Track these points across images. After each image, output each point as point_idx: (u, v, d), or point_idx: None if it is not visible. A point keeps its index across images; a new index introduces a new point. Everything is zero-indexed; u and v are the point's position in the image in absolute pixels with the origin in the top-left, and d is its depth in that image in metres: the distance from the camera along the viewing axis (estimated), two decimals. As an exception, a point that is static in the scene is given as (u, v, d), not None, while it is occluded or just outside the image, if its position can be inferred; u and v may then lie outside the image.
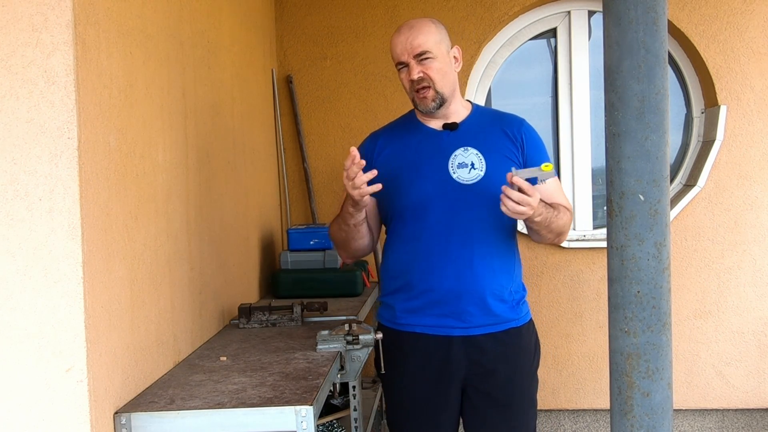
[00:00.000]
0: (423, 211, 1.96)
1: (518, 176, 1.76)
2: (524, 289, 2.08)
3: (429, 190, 1.96)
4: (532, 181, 1.82)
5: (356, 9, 3.50)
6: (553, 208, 1.94)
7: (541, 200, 1.87)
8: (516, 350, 2.01)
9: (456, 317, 1.96)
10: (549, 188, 2.00)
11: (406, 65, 1.95)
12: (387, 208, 2.05)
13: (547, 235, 1.98)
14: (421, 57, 1.93)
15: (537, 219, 1.86)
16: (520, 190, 1.76)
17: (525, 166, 1.99)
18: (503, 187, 1.78)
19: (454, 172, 1.96)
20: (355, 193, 1.82)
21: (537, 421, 3.21)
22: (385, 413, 2.17)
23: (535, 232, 1.99)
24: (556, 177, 2.04)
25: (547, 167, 1.77)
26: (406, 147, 2.04)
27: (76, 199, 1.42)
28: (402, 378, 2.03)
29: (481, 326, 1.97)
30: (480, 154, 1.97)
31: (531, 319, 2.09)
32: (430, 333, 1.98)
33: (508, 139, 2.01)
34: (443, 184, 1.96)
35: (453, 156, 1.98)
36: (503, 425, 2.02)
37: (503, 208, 1.78)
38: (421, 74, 1.93)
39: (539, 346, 2.11)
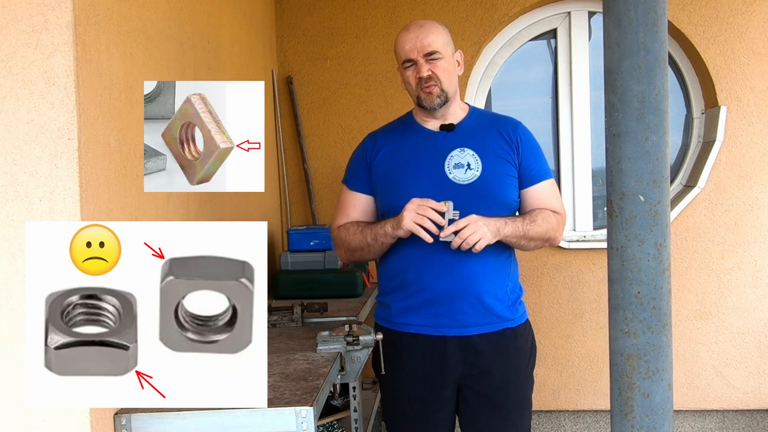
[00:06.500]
0: None
1: (446, 233, 1.85)
2: (521, 289, 2.09)
3: (425, 190, 1.97)
4: (516, 188, 1.97)
5: (356, 10, 3.50)
6: (525, 218, 1.96)
7: (502, 217, 1.93)
8: (511, 351, 2.02)
9: (450, 317, 1.97)
10: (544, 191, 2.03)
11: (414, 63, 1.97)
12: (384, 207, 2.06)
13: (528, 245, 2.00)
14: (430, 56, 1.95)
15: (507, 234, 1.91)
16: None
17: (520, 167, 2.02)
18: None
19: (450, 173, 1.98)
20: (414, 227, 1.87)
21: (538, 423, 3.20)
22: (381, 411, 2.17)
23: (519, 247, 2.01)
24: (552, 179, 2.07)
25: (446, 204, 1.87)
26: (403, 147, 2.05)
27: (76, 200, 1.42)
28: (398, 377, 2.03)
29: (476, 326, 1.98)
30: (476, 155, 1.99)
31: (527, 320, 2.09)
32: (425, 333, 2.00)
33: (504, 141, 2.02)
34: (439, 184, 1.97)
35: (449, 156, 1.99)
36: (498, 425, 2.02)
37: (472, 248, 1.86)
38: (430, 72, 1.95)
39: (535, 346, 2.11)
